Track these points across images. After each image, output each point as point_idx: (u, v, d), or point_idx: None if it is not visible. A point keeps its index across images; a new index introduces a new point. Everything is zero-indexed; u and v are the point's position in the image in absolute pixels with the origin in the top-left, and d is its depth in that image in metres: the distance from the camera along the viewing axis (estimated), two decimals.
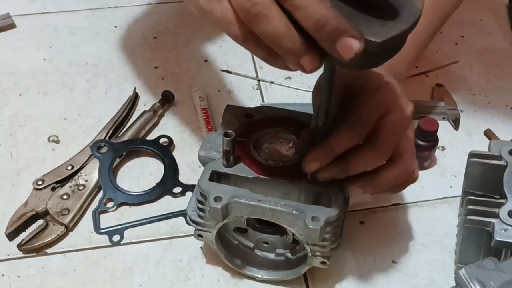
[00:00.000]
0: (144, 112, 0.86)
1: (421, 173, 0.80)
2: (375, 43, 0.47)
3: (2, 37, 0.99)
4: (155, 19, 1.03)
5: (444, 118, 0.87)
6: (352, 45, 0.46)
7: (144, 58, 0.96)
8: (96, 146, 0.81)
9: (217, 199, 0.61)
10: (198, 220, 0.66)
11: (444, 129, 0.85)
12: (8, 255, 0.72)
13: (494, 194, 0.66)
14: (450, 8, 0.81)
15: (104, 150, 0.80)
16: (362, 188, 0.63)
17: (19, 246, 0.72)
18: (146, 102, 0.89)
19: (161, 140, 0.83)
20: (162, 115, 0.87)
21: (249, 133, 0.67)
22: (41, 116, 0.87)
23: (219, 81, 0.93)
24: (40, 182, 0.77)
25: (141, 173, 0.81)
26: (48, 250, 0.73)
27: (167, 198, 0.78)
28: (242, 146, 0.65)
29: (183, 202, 0.77)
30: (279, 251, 0.70)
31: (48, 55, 0.96)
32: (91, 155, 0.80)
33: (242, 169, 0.64)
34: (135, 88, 0.90)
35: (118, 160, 0.81)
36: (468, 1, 0.98)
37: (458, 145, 0.85)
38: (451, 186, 0.79)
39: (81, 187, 0.77)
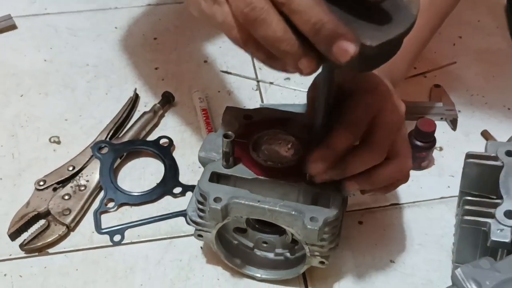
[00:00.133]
0: (145, 113, 0.86)
1: (419, 173, 0.81)
2: (371, 47, 0.47)
3: (3, 38, 0.99)
4: (155, 20, 1.03)
5: (442, 118, 0.87)
6: (348, 49, 0.47)
7: (144, 59, 0.96)
8: (97, 146, 0.81)
9: (216, 199, 0.62)
10: (198, 220, 0.66)
11: (442, 130, 0.85)
12: (10, 255, 0.73)
13: (490, 195, 0.66)
14: (447, 8, 0.81)
15: (105, 150, 0.81)
16: (359, 184, 0.63)
17: (21, 246, 0.72)
18: (146, 103, 0.89)
19: (162, 141, 0.84)
20: (162, 116, 0.88)
21: (249, 134, 0.67)
22: (42, 117, 0.87)
23: (218, 82, 0.93)
24: (41, 183, 0.78)
25: (142, 173, 0.81)
26: (50, 250, 0.73)
27: (168, 198, 0.79)
28: (242, 147, 0.66)
29: (183, 202, 0.77)
30: (278, 251, 0.71)
31: (49, 56, 0.96)
32: (92, 156, 0.80)
33: (241, 170, 0.64)
34: (135, 89, 0.90)
35: (119, 160, 0.81)
36: (466, 2, 0.98)
37: (455, 145, 0.85)
38: (448, 186, 0.80)
39: (82, 188, 0.77)
